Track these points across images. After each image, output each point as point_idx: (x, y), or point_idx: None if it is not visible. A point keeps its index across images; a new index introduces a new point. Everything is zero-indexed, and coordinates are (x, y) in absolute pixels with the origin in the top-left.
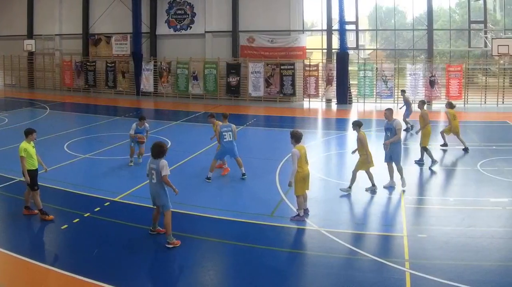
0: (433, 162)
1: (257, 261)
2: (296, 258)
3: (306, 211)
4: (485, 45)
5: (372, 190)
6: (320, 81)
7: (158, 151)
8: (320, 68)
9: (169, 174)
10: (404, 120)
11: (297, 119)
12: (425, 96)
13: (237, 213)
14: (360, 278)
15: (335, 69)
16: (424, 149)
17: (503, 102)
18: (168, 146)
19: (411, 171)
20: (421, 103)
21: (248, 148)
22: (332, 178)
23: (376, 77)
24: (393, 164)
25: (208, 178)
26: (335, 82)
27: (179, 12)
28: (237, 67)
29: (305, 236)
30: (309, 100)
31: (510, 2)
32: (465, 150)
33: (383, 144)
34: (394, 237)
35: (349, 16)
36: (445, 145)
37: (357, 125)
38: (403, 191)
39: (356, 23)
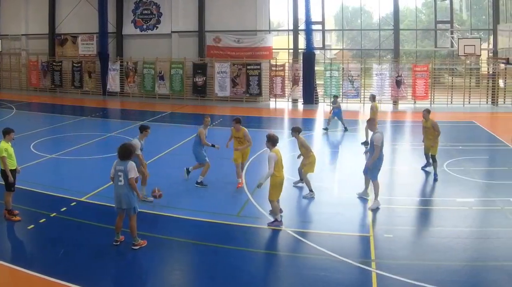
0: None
1: (223, 261)
2: (263, 258)
3: (280, 211)
4: (452, 45)
5: (311, 196)
6: (286, 81)
7: (126, 152)
8: (286, 68)
9: (137, 176)
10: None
11: (263, 119)
12: (391, 96)
13: (203, 213)
14: (326, 278)
15: (302, 69)
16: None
17: (469, 102)
18: None
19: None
20: (371, 98)
21: (214, 148)
22: (297, 177)
23: (343, 77)
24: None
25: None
26: (302, 82)
27: (145, 12)
28: (203, 67)
29: (272, 236)
30: (276, 100)
31: (476, 2)
32: (364, 143)
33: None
34: (360, 237)
35: (315, 16)
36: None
37: (296, 131)
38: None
39: (322, 23)
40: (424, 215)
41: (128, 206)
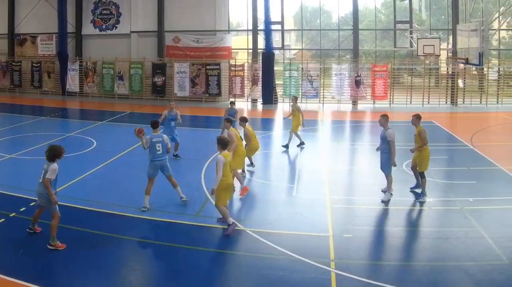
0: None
1: (182, 261)
2: (222, 258)
3: (233, 225)
4: (411, 45)
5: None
6: (245, 81)
7: (53, 154)
8: (245, 68)
9: (53, 179)
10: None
11: (222, 119)
12: (350, 96)
13: (162, 213)
14: (285, 278)
15: (261, 69)
16: (295, 134)
17: (428, 102)
18: (93, 146)
19: (335, 170)
20: (294, 99)
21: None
22: (258, 177)
23: (302, 77)
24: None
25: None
26: (261, 82)
27: (105, 12)
28: (162, 67)
29: (231, 236)
30: (235, 100)
31: (435, 2)
32: (287, 145)
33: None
34: (319, 237)
35: (274, 16)
36: (302, 143)
37: (243, 121)
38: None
39: (281, 23)
40: (384, 215)
41: (46, 204)
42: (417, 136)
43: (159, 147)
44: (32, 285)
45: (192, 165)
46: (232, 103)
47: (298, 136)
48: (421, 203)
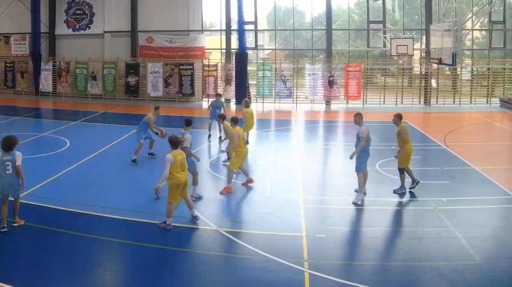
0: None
1: (155, 261)
2: (195, 258)
3: (196, 218)
4: (384, 45)
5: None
6: (219, 81)
7: (10, 143)
8: (219, 68)
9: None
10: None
11: (195, 119)
12: (324, 96)
13: (136, 213)
14: (259, 278)
15: (234, 69)
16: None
17: (402, 102)
18: (67, 146)
19: (308, 170)
20: (244, 103)
21: (147, 148)
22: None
23: (275, 77)
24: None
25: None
26: (234, 82)
27: (78, 12)
28: (136, 67)
29: (204, 236)
30: (208, 100)
31: (408, 2)
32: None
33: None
34: (293, 237)
35: (248, 16)
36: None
37: (221, 117)
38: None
39: (255, 23)
40: (357, 215)
41: (15, 193)
42: (397, 135)
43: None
44: (5, 285)
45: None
46: (219, 95)
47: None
48: (393, 203)
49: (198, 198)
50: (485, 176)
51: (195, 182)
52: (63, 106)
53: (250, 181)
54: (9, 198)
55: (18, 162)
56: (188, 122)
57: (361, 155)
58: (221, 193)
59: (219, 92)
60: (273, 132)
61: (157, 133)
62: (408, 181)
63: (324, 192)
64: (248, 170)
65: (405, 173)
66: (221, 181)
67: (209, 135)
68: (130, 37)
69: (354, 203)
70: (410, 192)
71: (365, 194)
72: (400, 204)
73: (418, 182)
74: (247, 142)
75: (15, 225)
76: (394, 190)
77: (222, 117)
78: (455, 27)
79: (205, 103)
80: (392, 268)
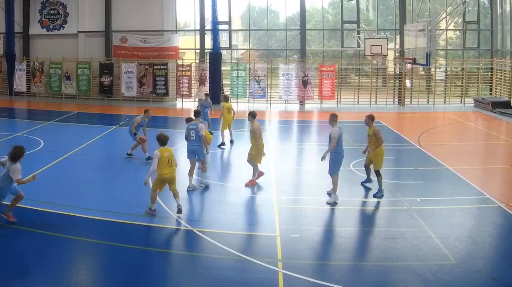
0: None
1: (130, 261)
2: (169, 258)
3: (179, 208)
4: (358, 45)
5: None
6: (193, 81)
7: (15, 154)
8: (193, 68)
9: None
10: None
11: (169, 119)
12: (298, 96)
13: (110, 213)
14: (233, 278)
15: (208, 69)
16: (224, 133)
17: (376, 102)
18: (40, 146)
19: (282, 170)
20: (224, 98)
21: (121, 148)
22: (206, 178)
23: (249, 77)
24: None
25: None
26: (208, 82)
27: (52, 12)
28: (110, 67)
29: (178, 236)
30: (182, 100)
31: (382, 2)
32: (231, 142)
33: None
34: (267, 237)
35: (222, 16)
36: (222, 143)
37: (251, 115)
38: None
39: (229, 23)
40: (331, 215)
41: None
42: (371, 136)
43: (193, 133)
44: None
45: (139, 164)
46: (207, 95)
47: (223, 136)
48: (367, 203)
49: (205, 188)
50: (459, 175)
51: (204, 169)
52: (37, 106)
53: (261, 174)
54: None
55: (17, 176)
56: (197, 113)
57: (334, 157)
58: (246, 185)
59: (207, 92)
60: (247, 133)
61: (135, 134)
62: (375, 180)
63: (298, 192)
64: (223, 169)
65: (376, 175)
66: (197, 181)
67: None
68: (104, 37)
69: (328, 203)
70: (366, 187)
71: (337, 197)
72: (374, 204)
73: (371, 181)
74: (223, 143)
75: (4, 216)
76: (374, 195)
77: (190, 121)
78: (429, 27)
79: (179, 103)
80: (366, 268)
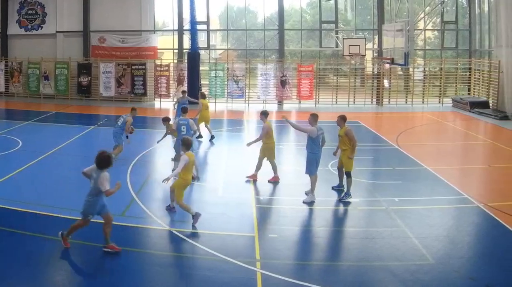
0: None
1: (108, 261)
2: (147, 258)
3: (197, 215)
4: (336, 45)
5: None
6: (171, 81)
7: (100, 162)
8: (171, 68)
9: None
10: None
11: (148, 119)
12: (276, 96)
13: None
14: (211, 279)
15: (186, 69)
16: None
17: (354, 102)
18: (19, 146)
19: (262, 170)
20: (200, 95)
21: (99, 148)
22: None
23: (227, 77)
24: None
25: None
26: (186, 82)
27: (30, 12)
28: (88, 67)
29: (157, 236)
30: (160, 100)
31: (361, 3)
32: (212, 137)
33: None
34: (245, 237)
35: (200, 16)
36: (200, 136)
37: (263, 114)
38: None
39: (207, 23)
40: (309, 215)
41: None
42: (343, 137)
43: (183, 128)
44: None
45: (117, 164)
46: (184, 92)
47: (199, 129)
48: (345, 203)
49: (197, 179)
50: (437, 175)
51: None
52: (15, 106)
53: (254, 176)
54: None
55: (107, 186)
56: (184, 110)
57: (308, 157)
58: (269, 181)
59: (184, 89)
60: (225, 132)
61: (130, 133)
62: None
63: (276, 192)
64: (201, 169)
65: (347, 176)
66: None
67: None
68: (82, 37)
69: (305, 203)
70: (337, 191)
71: (314, 196)
72: (352, 204)
73: (343, 187)
74: (201, 136)
75: (107, 249)
76: (340, 198)
77: (166, 121)
78: (407, 27)
79: (157, 104)
80: (345, 268)
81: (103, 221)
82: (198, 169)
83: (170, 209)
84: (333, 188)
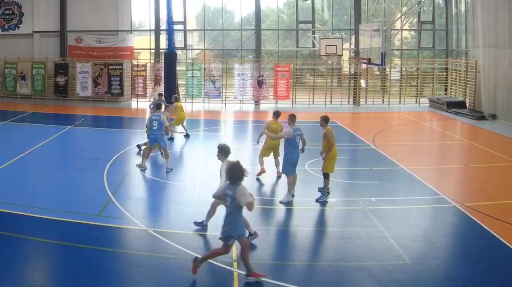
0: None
1: (85, 261)
2: (124, 258)
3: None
4: (313, 45)
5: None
6: (148, 81)
7: (232, 175)
8: (148, 68)
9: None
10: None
11: (125, 119)
12: (253, 96)
13: (65, 213)
14: (188, 278)
15: (163, 69)
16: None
17: (331, 102)
18: None
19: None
20: (174, 99)
21: (76, 148)
22: (160, 178)
23: (204, 77)
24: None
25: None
26: (163, 82)
27: (7, 12)
28: (65, 67)
29: (133, 236)
30: (137, 100)
31: (337, 2)
32: (187, 136)
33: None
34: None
35: (177, 16)
36: (187, 135)
37: (275, 115)
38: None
39: (184, 23)
40: (286, 215)
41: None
42: (323, 138)
43: (155, 123)
44: None
45: (94, 164)
46: (161, 94)
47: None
48: (323, 203)
49: (170, 170)
50: (414, 175)
51: (166, 156)
52: None
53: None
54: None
55: (248, 203)
56: (158, 106)
57: (285, 157)
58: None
59: (161, 92)
60: (202, 133)
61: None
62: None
63: (253, 192)
64: (177, 169)
65: (324, 177)
66: (154, 182)
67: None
68: (59, 37)
69: (281, 202)
70: (322, 192)
71: (293, 196)
72: (329, 204)
73: (329, 194)
74: (188, 135)
75: (251, 278)
76: (316, 199)
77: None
78: (384, 27)
79: (134, 103)
80: (322, 268)
81: (241, 247)
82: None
83: (199, 225)
84: (319, 189)
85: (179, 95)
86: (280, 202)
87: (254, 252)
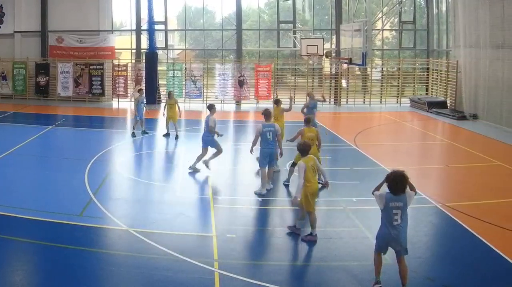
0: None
1: (66, 261)
2: (105, 258)
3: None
4: (294, 45)
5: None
6: (129, 81)
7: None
8: (129, 68)
9: None
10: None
11: (106, 119)
12: (234, 96)
13: (46, 213)
14: (169, 278)
15: (144, 69)
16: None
17: None
18: None
19: (218, 170)
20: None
21: (57, 148)
22: (142, 178)
23: (185, 77)
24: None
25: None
26: (144, 82)
27: None
28: (46, 67)
29: (115, 236)
30: (118, 100)
31: (318, 2)
32: (167, 135)
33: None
34: (203, 237)
35: (158, 16)
36: (167, 134)
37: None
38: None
39: (165, 23)
40: (268, 215)
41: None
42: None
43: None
44: None
45: (75, 164)
46: (140, 90)
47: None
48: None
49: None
50: None
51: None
52: None
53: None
54: None
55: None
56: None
57: (260, 151)
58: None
59: (141, 88)
60: (183, 133)
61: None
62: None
63: (233, 192)
64: (158, 169)
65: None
66: (134, 182)
67: (133, 133)
68: (40, 37)
69: (256, 193)
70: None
71: (268, 190)
72: None
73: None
74: (177, 136)
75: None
76: (255, 191)
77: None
78: (365, 27)
79: (115, 103)
80: (303, 268)
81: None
82: (323, 172)
83: (294, 230)
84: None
85: (160, 95)
86: (255, 193)
87: (235, 252)
